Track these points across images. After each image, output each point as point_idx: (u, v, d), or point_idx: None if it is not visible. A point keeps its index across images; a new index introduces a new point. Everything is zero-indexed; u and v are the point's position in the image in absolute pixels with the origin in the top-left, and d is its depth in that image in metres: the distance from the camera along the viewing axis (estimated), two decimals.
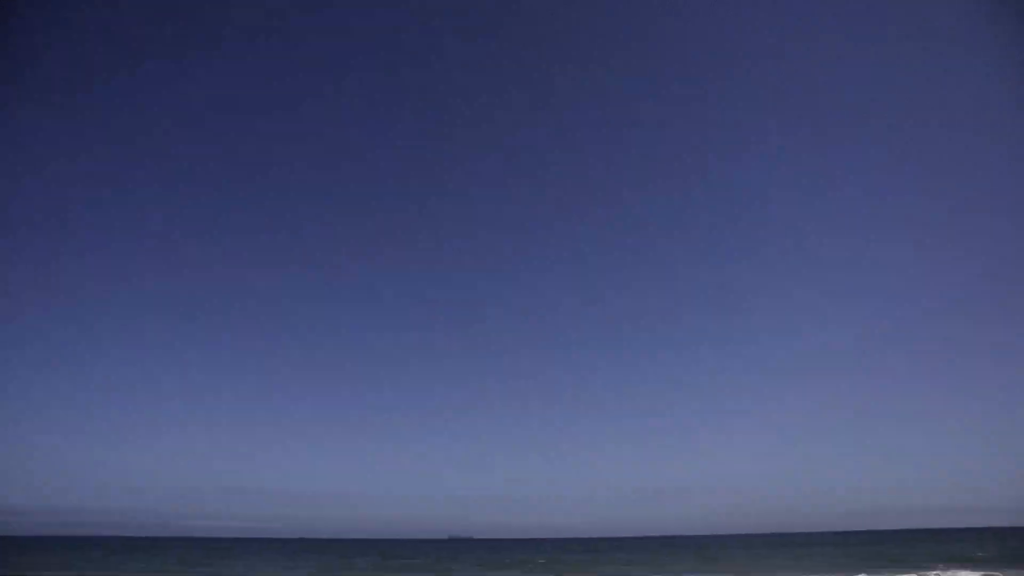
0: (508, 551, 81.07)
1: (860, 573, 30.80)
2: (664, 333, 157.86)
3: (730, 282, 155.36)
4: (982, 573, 30.66)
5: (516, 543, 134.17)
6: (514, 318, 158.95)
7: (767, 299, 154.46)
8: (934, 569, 31.07)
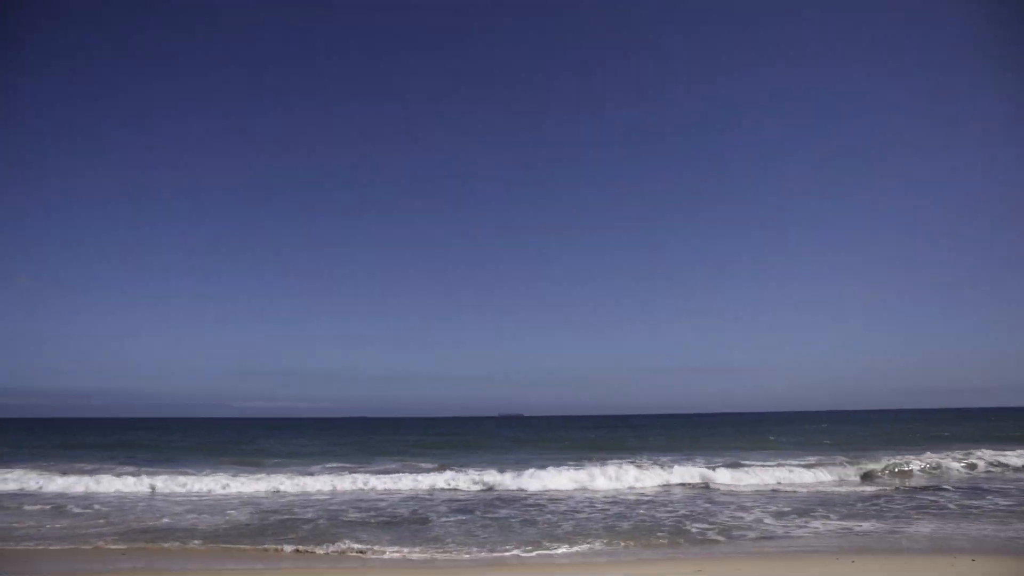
0: (557, 428, 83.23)
1: (925, 451, 30.47)
2: (708, 213, 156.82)
3: (784, 168, 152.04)
4: None
5: (565, 420, 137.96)
6: (566, 199, 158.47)
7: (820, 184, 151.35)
8: (979, 448, 30.98)
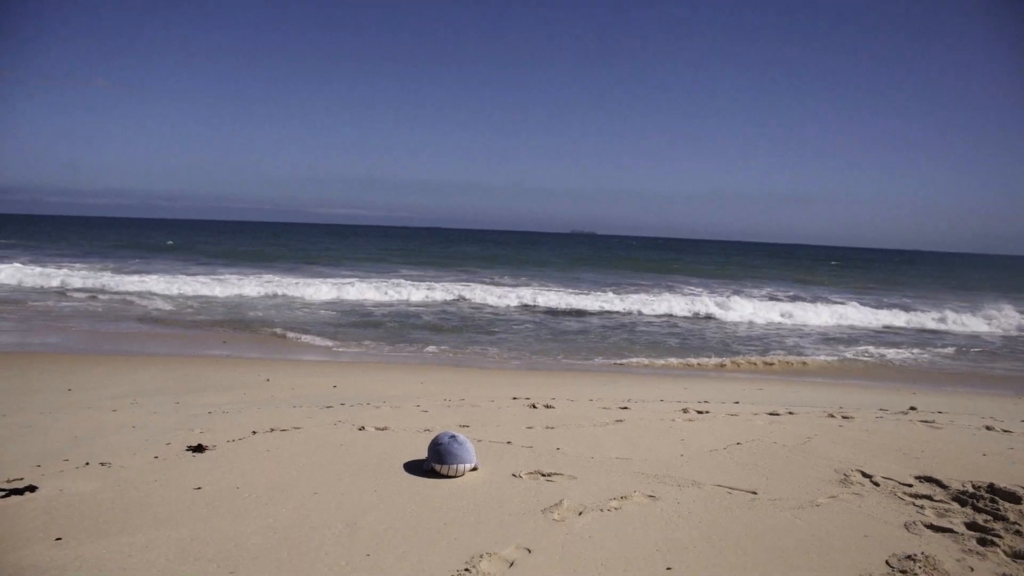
0: (629, 247, 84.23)
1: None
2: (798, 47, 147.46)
3: None
4: None
5: (638, 240, 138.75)
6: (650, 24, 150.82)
7: None
8: None
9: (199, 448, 4.96)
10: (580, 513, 3.94)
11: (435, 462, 4.58)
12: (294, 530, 3.58)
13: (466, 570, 3.18)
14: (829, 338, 17.71)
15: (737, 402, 8.06)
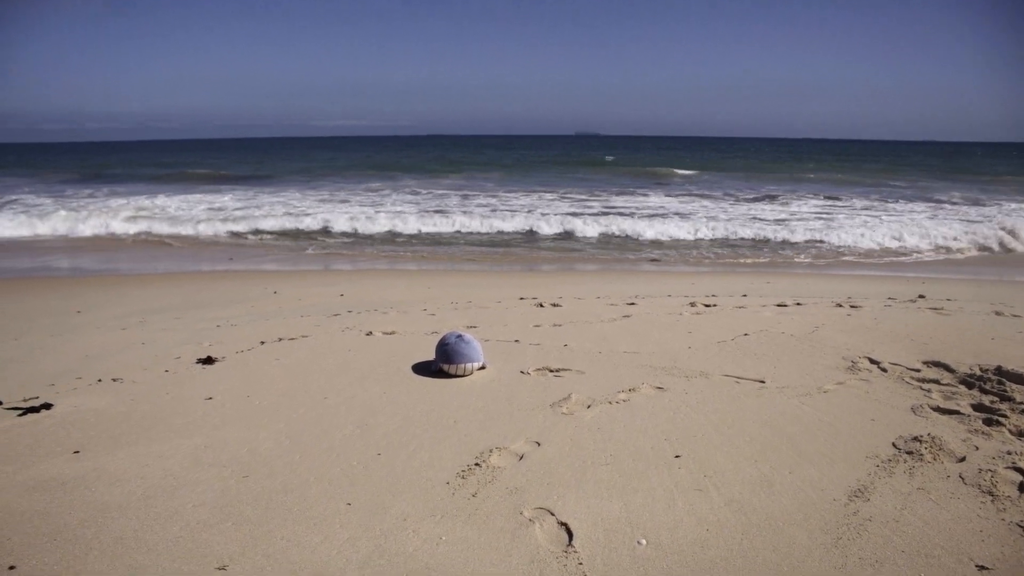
0: (635, 148, 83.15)
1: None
2: None
3: None
4: None
5: (643, 140, 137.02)
6: None
7: None
8: None
9: (208, 360, 5.00)
10: (588, 406, 3.97)
11: (443, 362, 4.60)
12: (306, 434, 3.63)
13: (476, 464, 3.22)
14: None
15: (745, 295, 8.05)
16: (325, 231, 17.00)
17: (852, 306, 6.76)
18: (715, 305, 7.04)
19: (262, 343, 5.58)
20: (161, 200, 23.09)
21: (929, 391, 4.13)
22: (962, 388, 4.17)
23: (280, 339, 5.72)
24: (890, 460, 3.23)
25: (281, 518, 2.77)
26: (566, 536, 2.64)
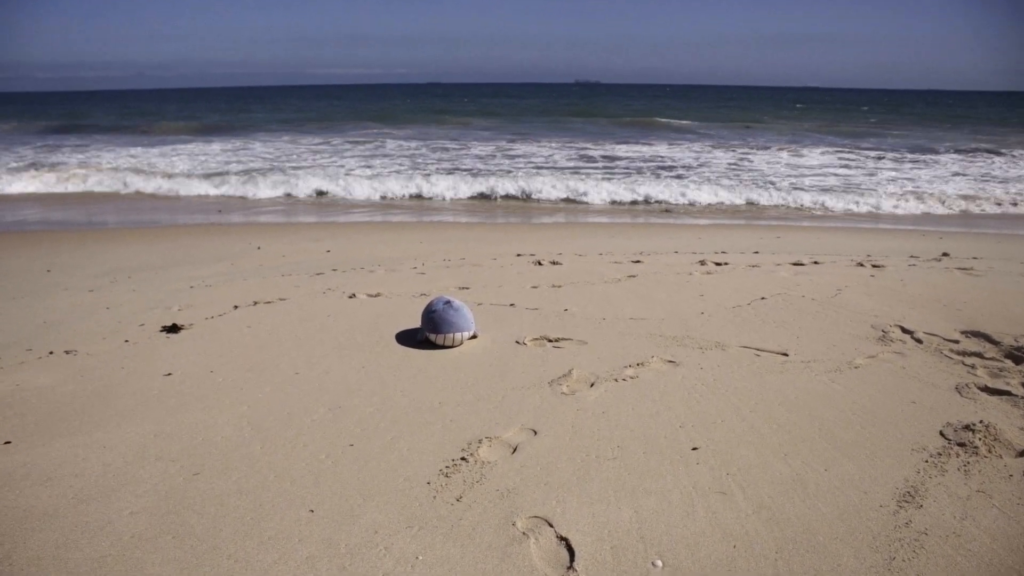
0: (634, 96, 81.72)
1: None
2: None
3: None
4: None
5: (643, 88, 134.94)
6: None
7: None
8: None
9: (174, 328, 4.55)
10: (592, 384, 3.53)
11: (429, 331, 4.15)
12: (270, 418, 3.19)
13: (463, 459, 2.79)
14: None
15: (757, 252, 7.58)
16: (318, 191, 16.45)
17: (874, 265, 6.29)
18: (726, 264, 6.57)
19: (235, 307, 5.13)
20: (149, 151, 22.46)
21: (973, 367, 3.68)
22: (1008, 363, 3.72)
23: (255, 303, 5.26)
24: (940, 454, 2.79)
25: (231, 530, 2.35)
26: (566, 555, 2.21)
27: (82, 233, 10.43)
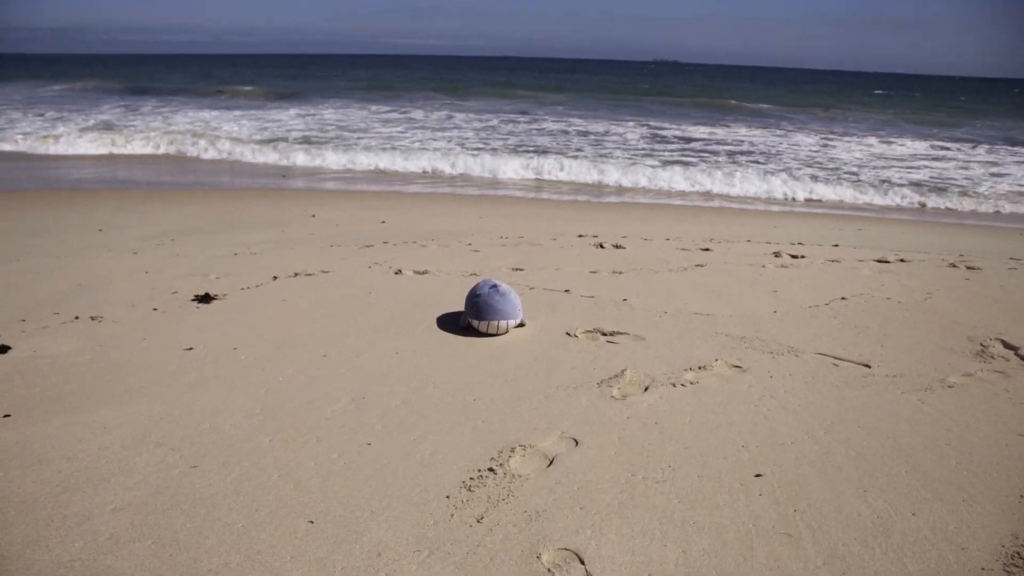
0: (714, 76, 79.78)
1: None
2: None
3: None
4: None
5: (722, 69, 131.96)
6: None
7: None
8: None
9: (206, 298, 4.33)
10: (646, 388, 3.16)
11: (472, 317, 3.83)
12: (287, 405, 2.91)
13: (490, 470, 2.46)
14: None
15: (836, 245, 7.02)
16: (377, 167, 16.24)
17: (969, 267, 5.70)
18: (803, 257, 6.06)
19: (274, 278, 4.89)
20: (223, 115, 22.67)
21: None
22: None
23: (296, 274, 5.02)
24: None
25: (217, 539, 2.07)
26: None
27: (142, 193, 10.43)
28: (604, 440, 2.68)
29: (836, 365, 3.47)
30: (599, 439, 2.69)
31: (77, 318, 3.97)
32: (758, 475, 2.45)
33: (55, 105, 24.36)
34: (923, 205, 12.20)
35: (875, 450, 2.64)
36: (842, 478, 2.45)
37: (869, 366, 3.46)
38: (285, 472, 2.43)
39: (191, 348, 3.53)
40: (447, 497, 2.30)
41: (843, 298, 4.62)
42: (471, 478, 2.41)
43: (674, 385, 3.18)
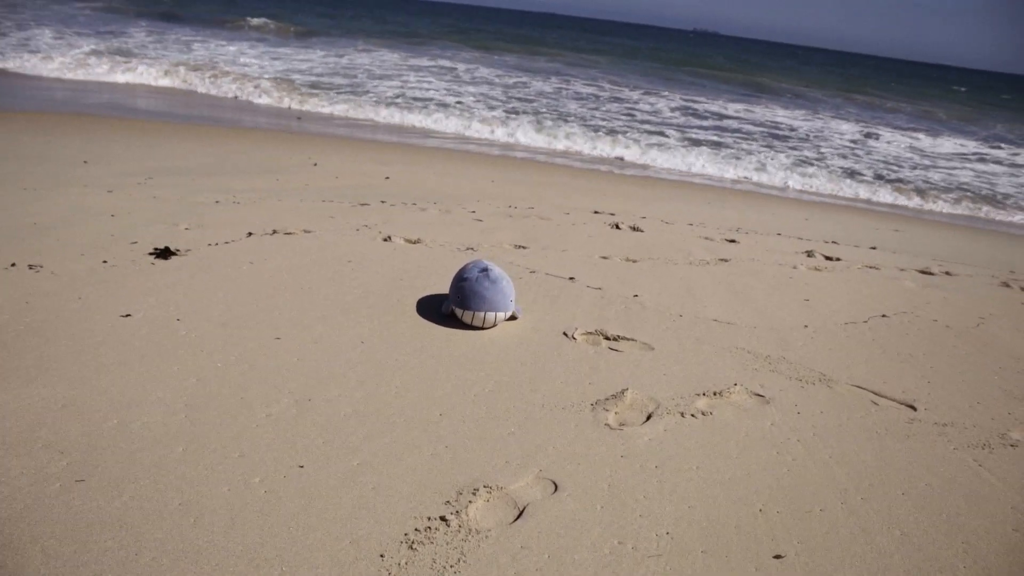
0: (755, 51, 77.90)
1: None
2: None
3: None
4: None
5: (763, 45, 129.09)
6: None
7: None
8: None
9: (165, 253, 3.83)
10: (648, 417, 2.65)
11: (456, 305, 3.32)
12: (215, 403, 2.42)
13: (443, 518, 1.97)
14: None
15: (874, 247, 6.42)
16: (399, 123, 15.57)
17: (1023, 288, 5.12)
18: (838, 259, 5.48)
19: (249, 235, 4.39)
20: (246, 52, 22.03)
21: None
22: None
23: (274, 231, 4.51)
24: None
25: None
26: None
27: (142, 124, 9.90)
28: (590, 486, 2.18)
29: (876, 403, 2.94)
30: (584, 484, 2.19)
31: (13, 265, 3.49)
32: (778, 556, 1.95)
33: (85, 26, 23.73)
34: (969, 209, 11.49)
35: (925, 530, 2.13)
36: (883, 565, 1.94)
37: (915, 408, 2.93)
38: (188, 500, 1.94)
39: (128, 315, 3.04)
40: (380, 556, 1.81)
41: (884, 316, 4.07)
42: (416, 529, 1.92)
43: (682, 415, 2.67)
